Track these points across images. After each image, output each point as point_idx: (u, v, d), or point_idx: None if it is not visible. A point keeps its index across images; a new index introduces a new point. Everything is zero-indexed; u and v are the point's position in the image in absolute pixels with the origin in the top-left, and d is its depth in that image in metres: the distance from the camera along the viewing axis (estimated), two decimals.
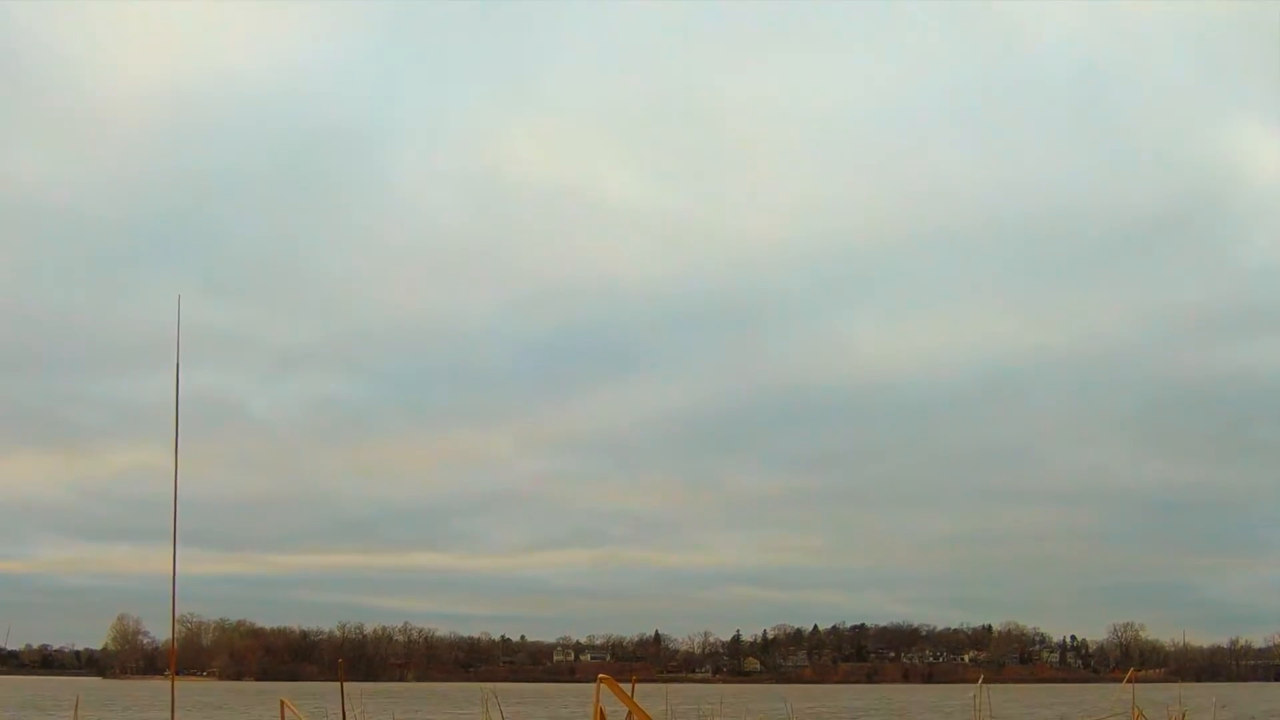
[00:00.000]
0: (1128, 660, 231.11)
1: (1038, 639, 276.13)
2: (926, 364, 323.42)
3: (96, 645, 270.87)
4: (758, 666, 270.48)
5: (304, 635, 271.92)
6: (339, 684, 12.16)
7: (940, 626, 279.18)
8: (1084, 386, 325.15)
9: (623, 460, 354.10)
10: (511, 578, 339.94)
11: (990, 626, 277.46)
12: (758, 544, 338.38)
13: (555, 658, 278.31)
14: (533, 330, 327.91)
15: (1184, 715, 12.25)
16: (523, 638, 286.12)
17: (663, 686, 42.62)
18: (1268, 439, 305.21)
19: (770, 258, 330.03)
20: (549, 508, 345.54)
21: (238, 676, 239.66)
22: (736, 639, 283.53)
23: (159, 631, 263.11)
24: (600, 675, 5.38)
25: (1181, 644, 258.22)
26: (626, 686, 6.75)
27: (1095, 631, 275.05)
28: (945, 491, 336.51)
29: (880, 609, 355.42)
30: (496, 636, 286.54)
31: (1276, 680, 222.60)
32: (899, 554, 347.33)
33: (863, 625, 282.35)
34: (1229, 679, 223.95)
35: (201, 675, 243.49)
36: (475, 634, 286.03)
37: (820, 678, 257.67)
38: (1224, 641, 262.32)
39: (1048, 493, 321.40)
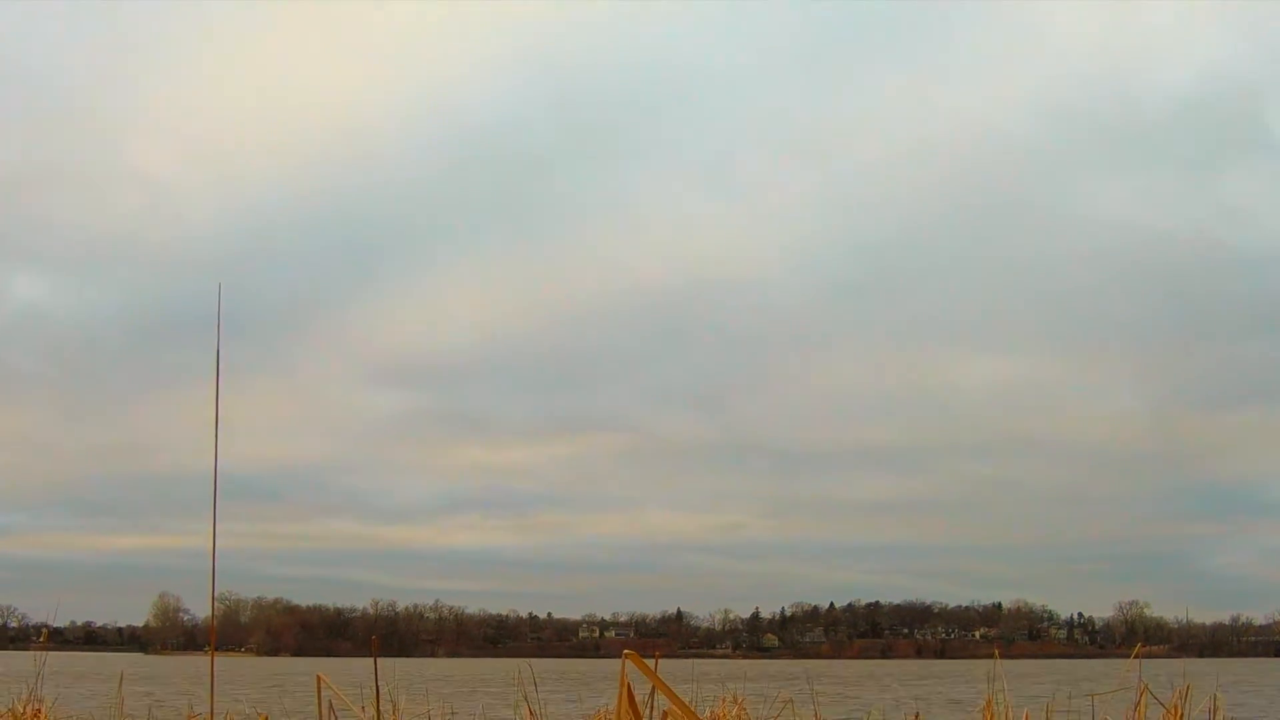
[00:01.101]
0: (1133, 637, 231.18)
1: (1046, 616, 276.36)
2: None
3: (138, 622, 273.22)
4: (776, 643, 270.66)
5: (338, 613, 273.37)
6: (373, 659, 12.17)
7: (952, 604, 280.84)
8: None
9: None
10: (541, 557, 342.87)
11: (1000, 604, 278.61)
12: (779, 523, 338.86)
13: (580, 634, 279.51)
14: None
15: (1188, 689, 12.28)
16: (549, 615, 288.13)
17: (685, 662, 42.58)
18: None
19: None
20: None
21: (274, 652, 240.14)
22: (755, 616, 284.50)
23: (198, 609, 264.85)
24: (625, 651, 5.37)
25: (1185, 621, 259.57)
26: (650, 662, 6.76)
27: (1101, 609, 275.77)
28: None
29: (895, 586, 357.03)
30: (524, 614, 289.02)
31: (1277, 656, 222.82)
32: (913, 532, 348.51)
33: (877, 602, 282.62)
34: (1230, 655, 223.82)
35: (239, 651, 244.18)
36: (503, 611, 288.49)
37: (836, 653, 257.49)
38: (1226, 619, 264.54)
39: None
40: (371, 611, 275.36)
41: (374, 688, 12.12)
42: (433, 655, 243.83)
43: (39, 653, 18.12)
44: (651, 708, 12.84)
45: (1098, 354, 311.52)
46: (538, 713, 17.44)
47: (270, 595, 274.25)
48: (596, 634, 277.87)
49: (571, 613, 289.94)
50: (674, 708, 5.30)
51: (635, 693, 5.48)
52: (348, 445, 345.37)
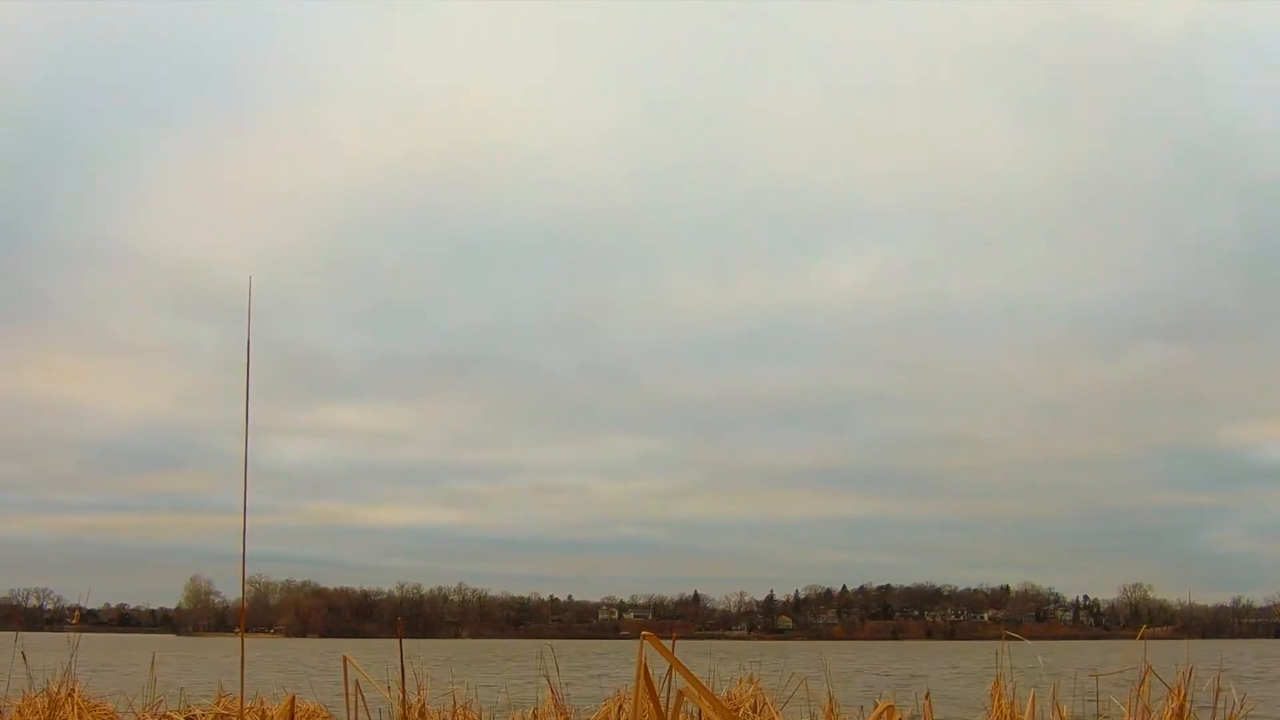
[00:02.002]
0: (1137, 619, 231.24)
1: (1052, 598, 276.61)
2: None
3: (171, 604, 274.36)
4: (790, 624, 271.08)
5: (365, 595, 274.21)
6: (398, 640, 12.17)
7: (961, 587, 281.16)
8: None
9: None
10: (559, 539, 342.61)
11: (1008, 587, 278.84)
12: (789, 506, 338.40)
13: (600, 616, 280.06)
14: None
15: (1190, 671, 12.27)
16: (569, 597, 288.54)
17: (702, 643, 42.60)
18: None
19: None
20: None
21: (303, 634, 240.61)
22: (770, 598, 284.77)
23: (229, 591, 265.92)
24: (644, 633, 5.37)
25: (1188, 603, 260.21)
26: (668, 643, 6.77)
27: (1106, 591, 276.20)
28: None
29: (905, 570, 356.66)
30: (545, 596, 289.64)
31: (1276, 637, 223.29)
32: (923, 516, 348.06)
33: (888, 585, 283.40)
34: (1232, 636, 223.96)
35: (269, 632, 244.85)
36: (525, 594, 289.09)
37: (849, 635, 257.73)
38: (1227, 601, 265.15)
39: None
40: (397, 594, 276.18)
41: (399, 666, 12.14)
42: (456, 636, 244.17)
43: (73, 634, 18.16)
44: (669, 687, 12.85)
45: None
46: (558, 691, 17.47)
47: (299, 578, 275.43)
48: (616, 615, 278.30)
49: (591, 595, 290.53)
50: (690, 686, 5.31)
51: (653, 672, 5.50)
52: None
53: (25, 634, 18.02)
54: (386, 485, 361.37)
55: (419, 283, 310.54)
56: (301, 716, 16.83)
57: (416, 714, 15.87)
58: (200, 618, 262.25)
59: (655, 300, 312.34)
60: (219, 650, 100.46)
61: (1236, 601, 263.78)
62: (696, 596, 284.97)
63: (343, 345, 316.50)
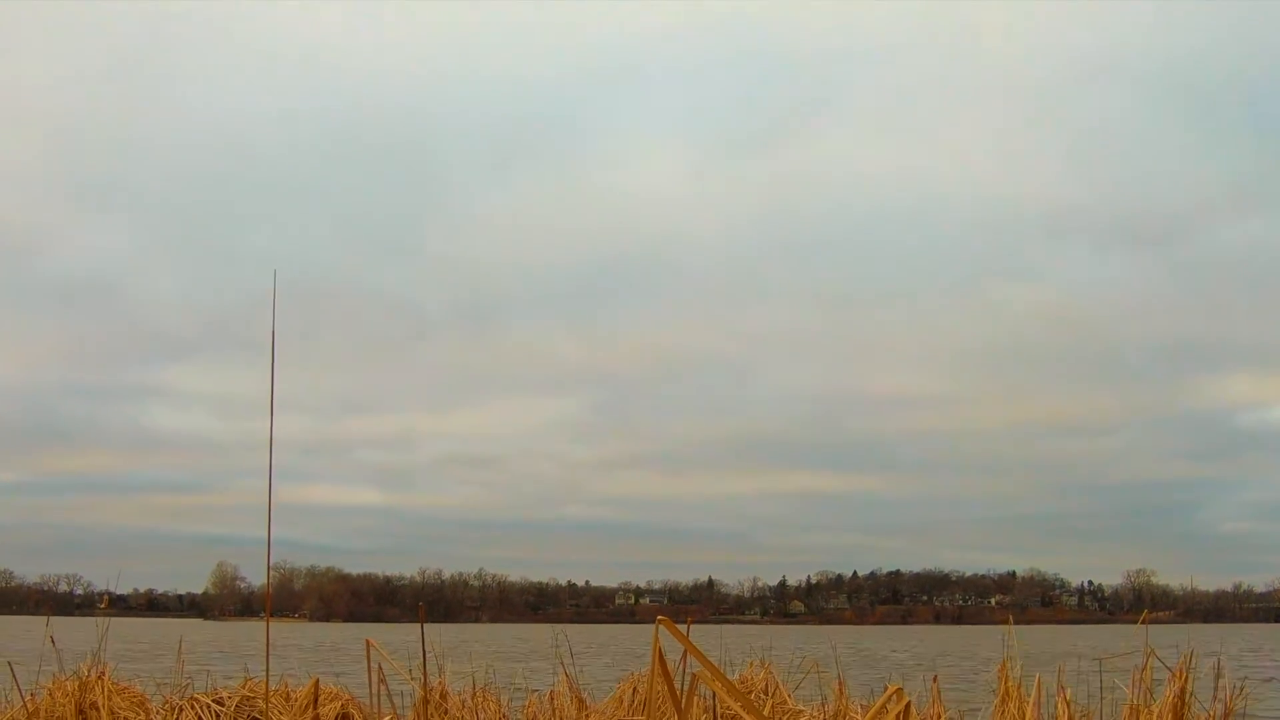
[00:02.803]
0: (1140, 604, 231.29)
1: (1058, 584, 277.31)
2: None
3: (198, 589, 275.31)
4: (802, 609, 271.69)
5: (387, 580, 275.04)
6: (419, 624, 12.21)
7: (969, 572, 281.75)
8: None
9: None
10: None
11: (1014, 572, 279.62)
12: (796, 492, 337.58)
13: (617, 601, 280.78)
14: None
15: (1192, 654, 12.32)
16: (587, 582, 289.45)
17: (716, 627, 42.77)
18: None
19: None
20: None
21: (326, 618, 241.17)
22: (783, 584, 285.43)
23: (255, 577, 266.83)
24: (659, 617, 5.40)
25: (1190, 588, 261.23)
26: (682, 627, 6.78)
27: (1110, 577, 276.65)
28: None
29: (914, 555, 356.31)
30: (563, 581, 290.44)
31: (1276, 622, 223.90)
32: (932, 501, 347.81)
33: (898, 571, 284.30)
34: (1233, 620, 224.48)
35: (293, 617, 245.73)
36: (544, 579, 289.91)
37: (859, 619, 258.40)
38: (1228, 586, 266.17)
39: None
40: (419, 579, 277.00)
41: (420, 650, 12.19)
42: (476, 621, 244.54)
43: (102, 618, 18.27)
44: (684, 670, 12.88)
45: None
46: (573, 675, 17.52)
47: (323, 564, 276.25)
48: (632, 600, 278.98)
49: (608, 580, 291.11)
50: (704, 669, 5.33)
51: (668, 656, 5.53)
52: None
53: (56, 619, 18.12)
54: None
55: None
56: (325, 699, 16.90)
57: (437, 696, 15.93)
58: (226, 602, 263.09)
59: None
60: (245, 634, 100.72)
61: (1237, 587, 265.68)
62: (711, 582, 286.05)
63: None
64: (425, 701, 14.68)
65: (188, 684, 17.01)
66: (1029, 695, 13.96)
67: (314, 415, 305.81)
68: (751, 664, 18.81)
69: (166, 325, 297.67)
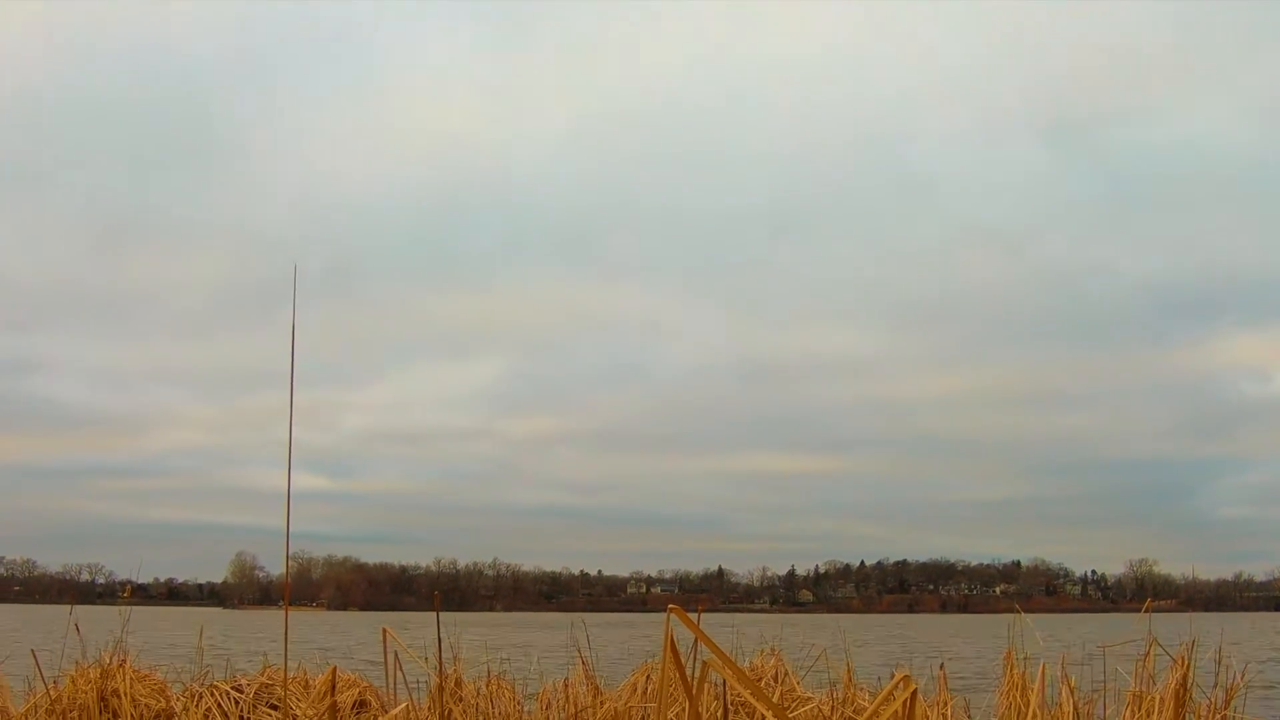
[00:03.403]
0: (1143, 593, 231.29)
1: (1062, 573, 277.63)
2: None
3: (217, 579, 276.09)
4: (810, 598, 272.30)
5: (403, 570, 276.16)
6: (435, 613, 12.25)
7: (974, 562, 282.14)
8: None
9: None
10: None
11: (1019, 561, 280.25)
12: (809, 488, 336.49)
13: (629, 590, 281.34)
14: None
15: (1194, 642, 12.37)
16: (599, 572, 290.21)
17: (726, 616, 42.78)
18: None
19: None
20: None
21: (344, 607, 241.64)
22: (791, 573, 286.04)
23: (273, 566, 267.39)
24: (670, 606, 5.41)
25: (1191, 577, 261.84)
26: (693, 616, 6.80)
27: (1113, 566, 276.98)
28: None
29: (920, 545, 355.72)
30: (576, 571, 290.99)
31: (1276, 610, 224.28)
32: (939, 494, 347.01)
33: (904, 560, 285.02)
34: (1234, 609, 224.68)
35: (311, 606, 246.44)
36: (557, 568, 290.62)
37: (866, 608, 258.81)
38: (1229, 575, 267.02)
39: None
40: (434, 569, 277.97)
41: (436, 639, 12.22)
42: (491, 610, 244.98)
43: (124, 607, 18.32)
44: (694, 658, 12.90)
45: None
46: (589, 662, 17.53)
47: (340, 554, 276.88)
48: (643, 589, 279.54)
49: (620, 569, 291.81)
50: (715, 657, 5.35)
51: (679, 644, 5.55)
52: None
53: (78, 608, 18.15)
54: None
55: None
56: (342, 686, 16.96)
57: (452, 684, 15.96)
58: (245, 592, 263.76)
59: None
60: (263, 623, 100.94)
61: (1238, 576, 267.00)
62: (720, 571, 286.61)
63: None
64: (441, 689, 14.71)
65: (207, 671, 17.06)
66: (1033, 683, 14.00)
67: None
68: (762, 652, 18.85)
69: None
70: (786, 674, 17.93)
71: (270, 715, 15.94)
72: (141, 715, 15.62)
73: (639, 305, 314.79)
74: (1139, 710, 13.43)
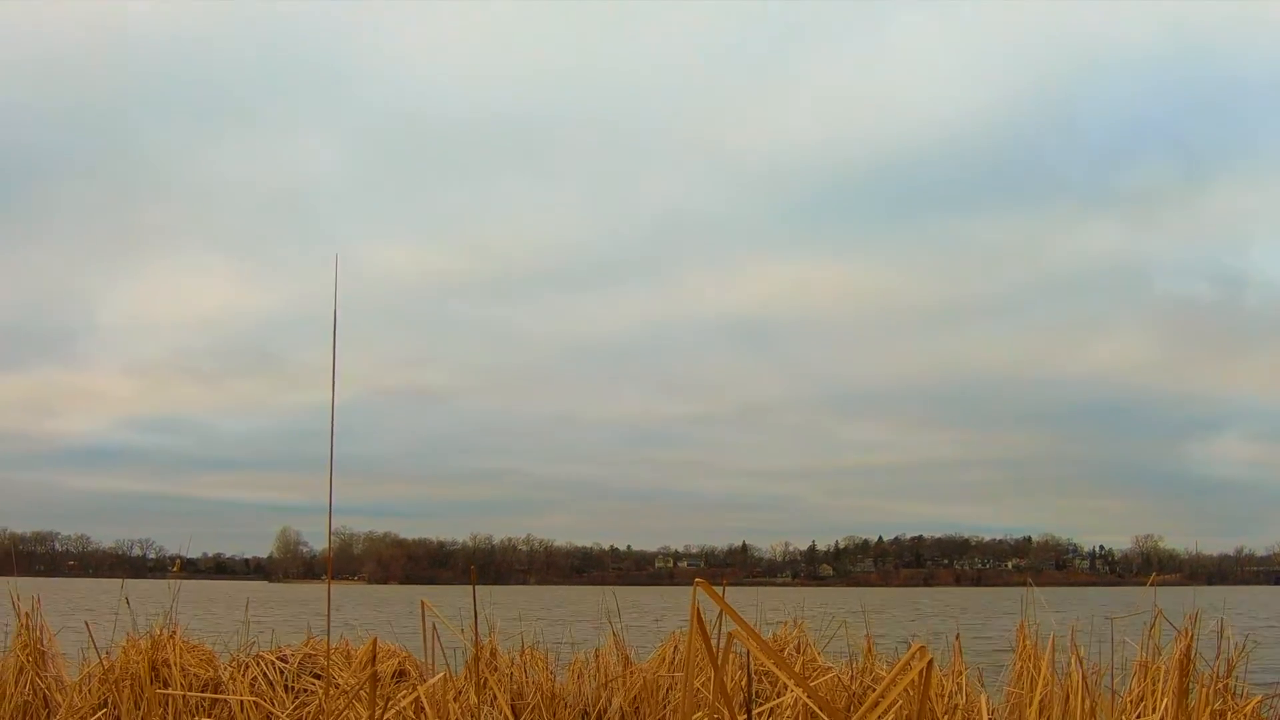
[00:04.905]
0: (1148, 567, 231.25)
1: (1071, 548, 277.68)
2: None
3: (263, 554, 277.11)
4: (830, 572, 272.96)
5: (440, 545, 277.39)
6: (471, 587, 12.27)
7: (987, 537, 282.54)
8: None
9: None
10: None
11: (1030, 537, 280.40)
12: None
13: (656, 564, 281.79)
14: None
15: (1197, 614, 12.43)
16: (629, 547, 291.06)
17: (750, 589, 42.86)
18: None
19: None
20: None
21: (384, 581, 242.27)
22: (812, 548, 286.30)
23: (317, 542, 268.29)
24: (696, 579, 5.41)
25: (1195, 552, 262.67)
26: (718, 589, 6.79)
27: (1120, 542, 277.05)
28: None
29: (935, 520, 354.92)
30: (606, 546, 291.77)
31: (1276, 584, 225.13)
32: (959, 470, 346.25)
33: (920, 536, 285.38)
34: (1235, 583, 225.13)
35: (352, 579, 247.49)
36: (588, 544, 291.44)
37: (884, 582, 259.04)
38: (1231, 550, 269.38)
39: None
40: (470, 544, 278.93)
41: (472, 611, 12.22)
42: (524, 583, 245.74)
43: (174, 580, 18.41)
44: (720, 629, 12.89)
45: None
46: (619, 634, 17.57)
47: (380, 530, 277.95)
48: (671, 564, 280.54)
49: (648, 545, 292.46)
50: (739, 629, 5.34)
51: (705, 616, 5.55)
52: None
53: (130, 581, 18.23)
54: None
55: None
56: (383, 656, 17.03)
57: (488, 654, 16.01)
58: (290, 566, 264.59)
59: None
60: (307, 596, 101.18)
61: (1239, 551, 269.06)
62: (745, 547, 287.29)
63: None
64: (476, 659, 14.75)
65: (253, 642, 17.11)
66: (1044, 652, 13.99)
67: None
68: (785, 624, 18.83)
69: None
70: (808, 644, 17.93)
71: (313, 684, 16.00)
72: (190, 684, 15.68)
73: None
74: (1144, 679, 13.45)
